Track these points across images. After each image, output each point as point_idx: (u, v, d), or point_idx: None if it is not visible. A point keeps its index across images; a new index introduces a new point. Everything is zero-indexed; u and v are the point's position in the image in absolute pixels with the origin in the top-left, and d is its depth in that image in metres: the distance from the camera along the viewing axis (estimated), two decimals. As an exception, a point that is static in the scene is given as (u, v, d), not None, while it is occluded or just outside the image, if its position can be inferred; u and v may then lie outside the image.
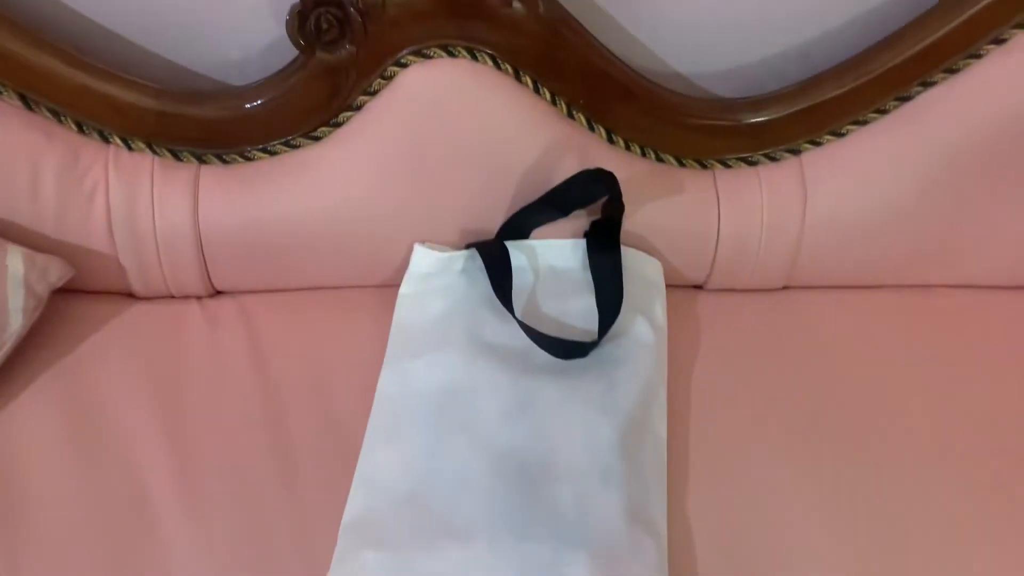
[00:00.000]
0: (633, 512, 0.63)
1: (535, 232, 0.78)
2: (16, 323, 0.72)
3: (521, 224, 0.77)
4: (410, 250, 0.79)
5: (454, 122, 0.74)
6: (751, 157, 0.80)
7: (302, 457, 0.71)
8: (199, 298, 0.82)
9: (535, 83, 0.74)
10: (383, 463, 0.68)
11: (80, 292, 0.80)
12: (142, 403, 0.73)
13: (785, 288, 0.85)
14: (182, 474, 0.69)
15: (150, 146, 0.76)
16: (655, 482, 0.67)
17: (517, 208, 0.77)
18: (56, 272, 0.75)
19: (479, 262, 0.76)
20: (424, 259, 0.78)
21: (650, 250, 0.80)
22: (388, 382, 0.73)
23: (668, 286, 0.82)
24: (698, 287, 0.85)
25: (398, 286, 0.78)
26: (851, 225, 0.80)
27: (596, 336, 0.73)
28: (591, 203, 0.77)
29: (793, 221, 0.80)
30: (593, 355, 0.72)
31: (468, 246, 0.78)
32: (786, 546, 0.67)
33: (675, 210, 0.80)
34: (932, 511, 0.69)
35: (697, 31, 0.78)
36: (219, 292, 0.83)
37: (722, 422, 0.74)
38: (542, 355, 0.71)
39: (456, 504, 0.63)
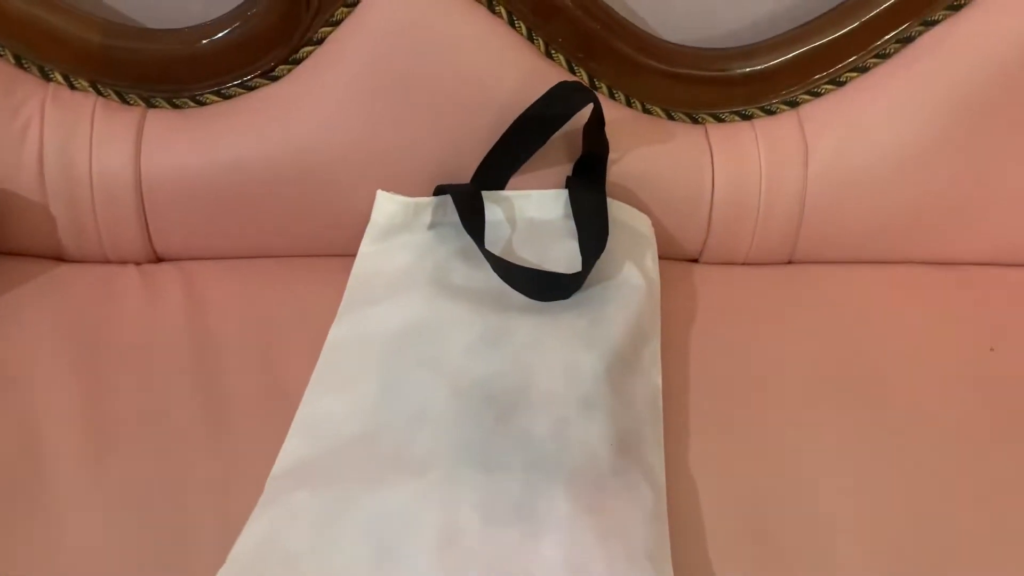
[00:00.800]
0: (623, 445, 0.53)
1: (514, 181, 0.71)
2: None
3: (498, 164, 0.70)
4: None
5: (423, 56, 0.69)
6: (745, 110, 0.74)
7: (236, 418, 0.61)
8: (138, 264, 0.74)
9: (510, 15, 0.69)
10: (327, 410, 0.58)
11: (2, 255, 0.72)
12: (60, 361, 0.64)
13: (790, 263, 0.77)
14: (92, 428, 0.59)
15: (95, 85, 0.70)
16: (650, 427, 0.57)
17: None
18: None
19: (450, 215, 0.69)
20: (387, 206, 0.70)
21: (639, 209, 0.73)
22: (340, 331, 0.63)
23: (660, 258, 0.74)
24: (693, 261, 0.77)
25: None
26: (856, 181, 0.73)
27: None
28: (571, 115, 0.69)
29: (794, 178, 0.73)
30: (576, 297, 0.63)
31: (437, 190, 0.70)
32: (802, 508, 0.56)
33: (665, 166, 0.73)
34: (964, 479, 0.59)
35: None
36: (162, 260, 0.75)
37: (724, 382, 0.65)
38: (518, 297, 0.63)
39: (412, 439, 0.53)
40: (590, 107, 0.68)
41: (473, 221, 0.66)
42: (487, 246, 0.64)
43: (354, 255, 0.71)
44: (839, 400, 0.64)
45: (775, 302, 0.73)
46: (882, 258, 0.77)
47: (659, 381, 0.61)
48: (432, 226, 0.70)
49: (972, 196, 0.74)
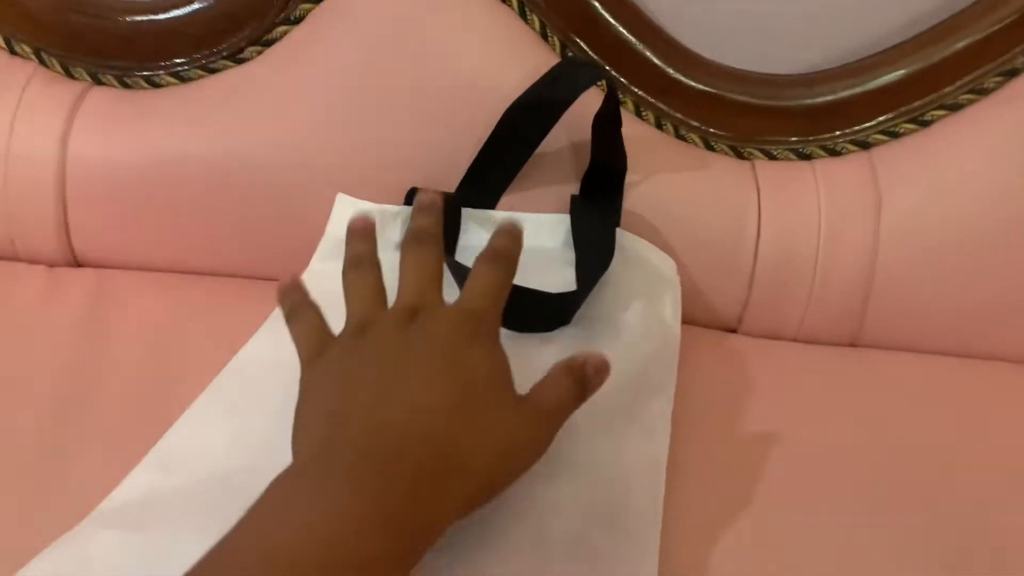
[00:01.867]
0: (595, 515, 0.36)
1: (508, 201, 0.57)
2: None
3: (490, 169, 0.56)
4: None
5: (419, 45, 0.57)
6: (804, 148, 0.60)
7: (93, 452, 0.46)
8: (52, 266, 0.61)
9: (521, 6, 0.58)
10: (198, 442, 0.43)
11: None
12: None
13: (852, 346, 0.61)
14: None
15: (38, 53, 0.60)
16: (645, 499, 0.40)
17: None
18: None
19: None
20: (347, 214, 0.56)
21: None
22: (250, 353, 0.49)
23: (687, 323, 0.58)
24: (731, 331, 0.61)
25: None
26: (942, 247, 0.57)
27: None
28: (573, 99, 0.55)
29: (862, 236, 0.58)
30: (564, 331, 0.48)
31: (408, 196, 0.57)
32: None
33: (698, 202, 0.58)
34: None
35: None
36: (82, 264, 0.62)
37: (747, 471, 0.47)
38: None
39: None
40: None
41: (449, 238, 0.52)
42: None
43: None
44: (897, 517, 0.46)
45: (829, 386, 0.56)
46: (968, 350, 0.60)
47: (665, 447, 0.44)
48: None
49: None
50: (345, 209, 0.57)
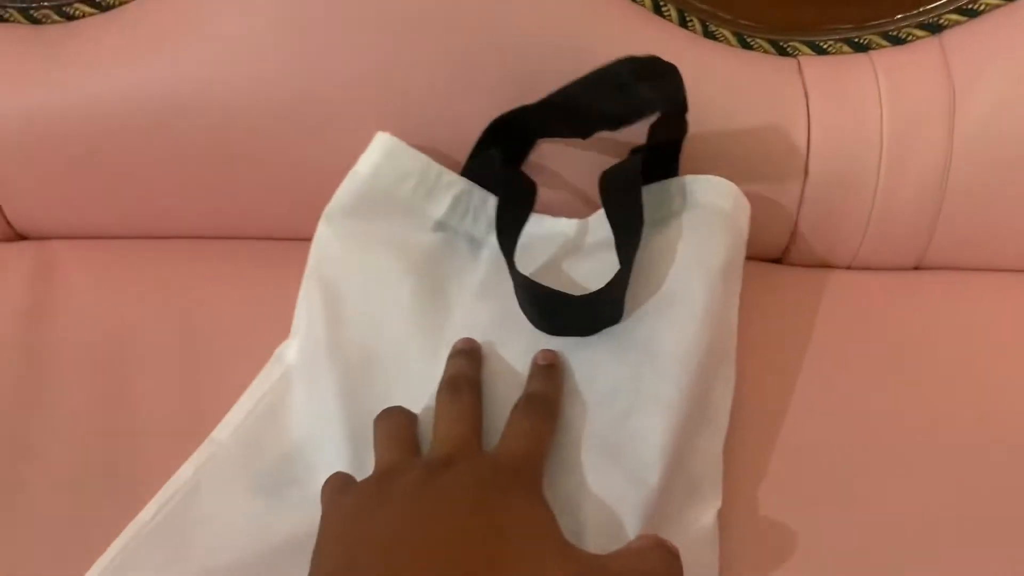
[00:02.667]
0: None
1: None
2: None
3: (520, 127, 0.47)
4: (323, 166, 0.48)
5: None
6: (858, 37, 0.49)
7: (50, 448, 0.41)
8: (-13, 241, 0.53)
9: None
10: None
11: None
12: None
13: (917, 269, 0.53)
14: None
15: (-80, -12, 0.50)
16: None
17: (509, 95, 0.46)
18: None
19: (471, 217, 0.48)
20: (396, 160, 0.47)
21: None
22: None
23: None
24: (775, 261, 0.53)
25: (301, 240, 0.48)
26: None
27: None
28: (635, 119, 0.46)
29: (934, 141, 0.48)
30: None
31: (468, 167, 0.48)
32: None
33: (733, 115, 0.48)
34: None
35: None
36: (23, 237, 0.54)
37: (811, 435, 0.41)
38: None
39: None
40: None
41: (508, 232, 0.44)
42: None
43: (290, 238, 0.49)
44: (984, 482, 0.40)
45: (898, 322, 0.49)
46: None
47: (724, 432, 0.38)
48: (442, 222, 0.47)
49: None
50: (392, 150, 0.47)
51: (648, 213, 0.43)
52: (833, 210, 0.50)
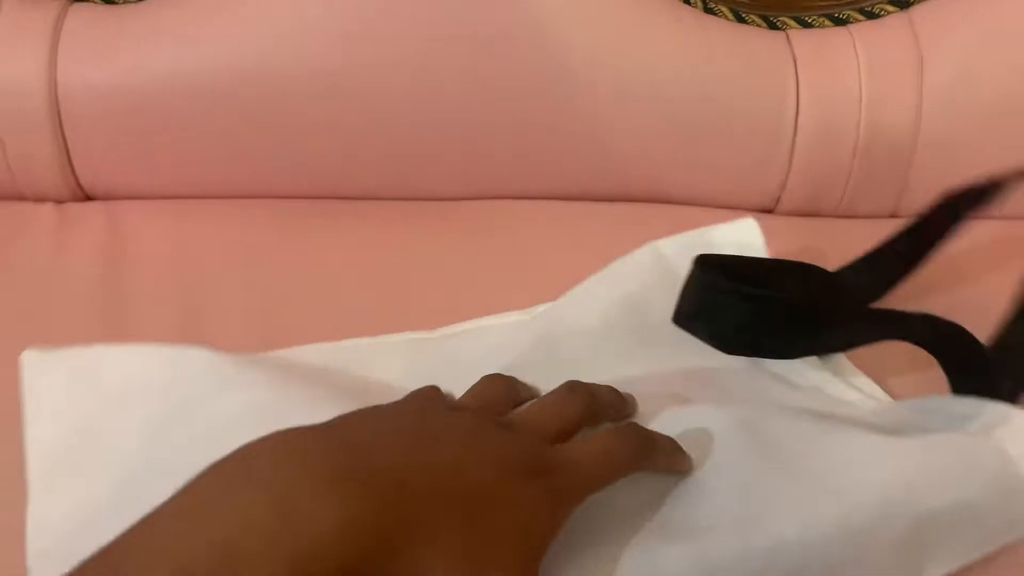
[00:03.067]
0: None
1: None
2: None
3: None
4: (367, 131, 0.54)
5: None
6: (839, 13, 0.57)
7: None
8: (60, 202, 0.58)
9: None
10: None
11: None
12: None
13: (893, 216, 0.60)
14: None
15: (3, -28, 0.55)
16: None
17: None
18: None
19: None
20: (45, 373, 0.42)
21: (694, 144, 0.56)
22: None
23: (722, 207, 0.57)
24: (767, 211, 0.60)
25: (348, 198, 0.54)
26: (990, 109, 0.55)
27: None
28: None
29: (905, 103, 0.55)
30: None
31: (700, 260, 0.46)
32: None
33: (732, 83, 0.55)
34: None
35: None
36: (92, 198, 0.59)
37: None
38: None
39: None
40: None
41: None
42: None
43: (325, 196, 0.56)
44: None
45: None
46: (1016, 213, 0.59)
47: None
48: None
49: None
50: (38, 370, 0.42)
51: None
52: (820, 163, 0.57)
